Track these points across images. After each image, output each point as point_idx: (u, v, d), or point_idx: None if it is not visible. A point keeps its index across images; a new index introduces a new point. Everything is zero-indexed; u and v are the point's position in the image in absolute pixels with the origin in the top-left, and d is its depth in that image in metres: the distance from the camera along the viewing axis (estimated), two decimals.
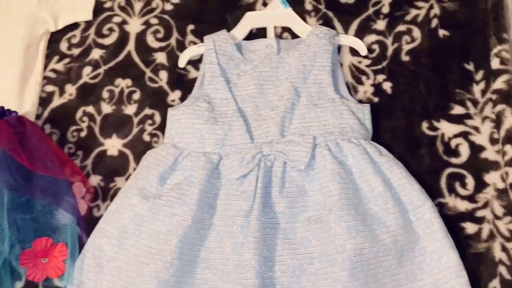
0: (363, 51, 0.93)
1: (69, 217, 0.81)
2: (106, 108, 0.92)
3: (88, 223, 0.82)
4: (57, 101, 0.92)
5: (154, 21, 0.98)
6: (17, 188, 0.77)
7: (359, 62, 0.92)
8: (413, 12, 0.95)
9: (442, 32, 0.93)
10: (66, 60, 0.95)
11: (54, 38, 0.97)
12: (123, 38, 0.96)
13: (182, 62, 0.94)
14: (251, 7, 0.98)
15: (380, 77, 0.91)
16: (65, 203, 0.79)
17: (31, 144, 0.82)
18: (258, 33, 0.95)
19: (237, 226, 0.77)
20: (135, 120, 0.91)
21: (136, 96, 0.92)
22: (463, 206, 0.80)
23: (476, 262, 0.76)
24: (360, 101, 0.88)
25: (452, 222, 0.79)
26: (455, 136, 0.85)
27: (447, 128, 0.86)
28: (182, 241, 0.76)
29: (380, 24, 0.95)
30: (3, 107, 0.86)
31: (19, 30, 0.94)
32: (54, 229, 0.80)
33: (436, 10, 0.94)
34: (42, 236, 0.79)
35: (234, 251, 0.77)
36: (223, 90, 0.87)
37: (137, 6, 0.99)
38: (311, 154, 0.79)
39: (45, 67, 0.95)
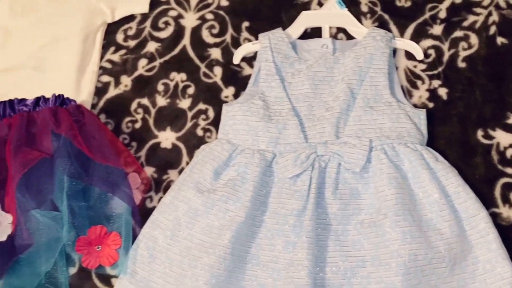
0: (420, 55, 0.92)
1: (123, 207, 0.82)
2: (161, 101, 0.93)
3: (141, 213, 0.83)
4: (112, 92, 0.94)
5: (209, 16, 0.98)
6: (76, 175, 0.79)
7: (415, 67, 0.92)
8: (471, 18, 0.94)
9: (500, 40, 0.92)
10: (122, 52, 0.97)
11: (111, 29, 0.98)
12: (179, 32, 0.97)
13: (236, 59, 0.94)
14: (306, 6, 0.98)
15: (436, 83, 0.90)
16: (121, 193, 0.80)
17: (90, 132, 0.84)
18: (312, 33, 0.95)
19: (289, 225, 0.78)
20: (189, 114, 0.92)
21: (191, 90, 0.93)
22: None
23: None
24: (415, 106, 0.88)
25: (506, 232, 0.78)
26: (511, 145, 0.86)
27: (502, 137, 0.85)
28: (235, 237, 0.77)
29: (437, 29, 0.94)
30: (62, 95, 0.89)
31: (77, 20, 0.96)
32: (108, 218, 0.82)
33: (494, 17, 0.94)
34: (96, 224, 0.81)
35: (285, 249, 0.78)
36: (278, 89, 0.88)
37: (193, 1, 1.00)
38: (367, 157, 0.80)
39: (101, 57, 0.96)
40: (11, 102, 0.86)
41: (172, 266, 0.78)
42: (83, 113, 0.86)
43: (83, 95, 0.92)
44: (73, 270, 0.81)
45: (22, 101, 0.86)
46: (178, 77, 0.94)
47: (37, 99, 0.87)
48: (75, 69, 0.93)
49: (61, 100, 0.87)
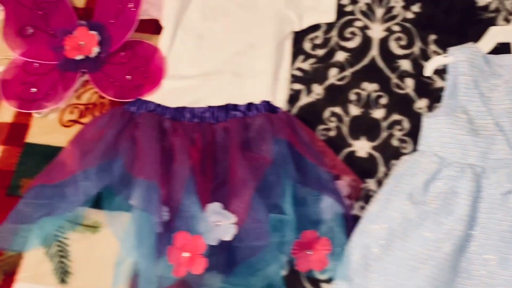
0: None
1: (333, 212, 0.84)
2: (354, 110, 0.95)
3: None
4: (305, 99, 0.96)
5: (396, 28, 1.00)
6: (297, 179, 0.82)
7: None
8: None
9: None
10: (312, 60, 0.98)
11: (297, 38, 1.00)
12: (366, 42, 0.99)
13: (428, 71, 0.95)
14: (492, 22, 0.99)
15: None
16: (335, 196, 0.82)
17: (301, 138, 0.86)
18: (500, 48, 0.96)
19: (504, 241, 0.79)
20: (383, 124, 0.93)
21: (384, 100, 0.95)
22: None
23: None
24: None
25: None
26: None
27: None
28: (453, 250, 0.78)
29: None
30: (270, 102, 0.90)
31: (269, 27, 0.98)
32: (318, 222, 0.84)
33: None
34: (309, 229, 0.84)
35: (500, 265, 0.79)
36: (478, 103, 0.88)
37: (379, 12, 1.02)
38: None
39: (291, 65, 0.99)
40: (225, 106, 0.90)
41: (387, 275, 0.80)
42: (290, 119, 0.89)
43: (279, 101, 0.94)
44: (282, 272, 0.83)
45: (235, 106, 0.90)
46: (370, 87, 0.96)
47: (248, 105, 0.90)
48: (270, 75, 0.95)
49: (270, 107, 0.90)
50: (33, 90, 0.96)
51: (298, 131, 0.87)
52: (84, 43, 0.98)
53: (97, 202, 0.86)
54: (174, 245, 0.78)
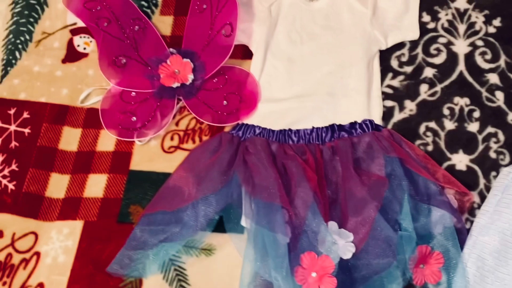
0: None
1: (444, 226, 0.86)
2: (449, 125, 0.97)
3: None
4: (398, 116, 0.98)
5: (479, 43, 1.03)
6: (412, 195, 0.84)
7: None
8: None
9: None
10: (401, 77, 1.01)
11: (383, 56, 1.03)
12: (452, 58, 1.01)
13: None
14: None
15: None
16: (449, 210, 0.84)
17: (410, 154, 0.89)
18: None
19: None
20: (479, 137, 0.96)
21: (476, 114, 0.97)
22: None
23: None
24: None
25: None
26: None
27: None
28: None
29: None
30: (373, 121, 0.92)
31: (357, 48, 1.01)
32: (430, 236, 0.85)
33: None
34: (421, 243, 0.86)
35: None
36: None
37: (461, 28, 1.05)
38: None
39: (381, 83, 1.02)
40: (330, 127, 0.92)
41: (503, 285, 0.82)
42: (394, 135, 0.92)
43: (374, 119, 0.96)
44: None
45: (341, 126, 0.92)
46: (462, 102, 0.99)
47: (352, 124, 0.92)
48: (364, 94, 0.98)
49: (372, 125, 0.93)
50: (134, 119, 1.00)
51: (404, 147, 0.90)
52: (179, 71, 1.02)
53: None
54: (302, 265, 0.81)
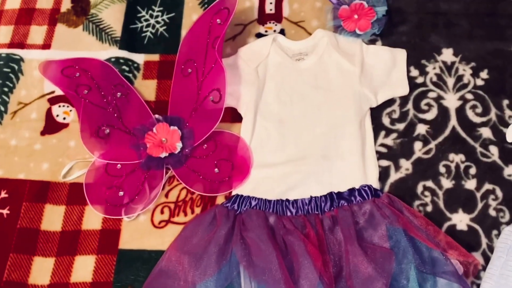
0: None
1: None
2: (446, 183, 0.95)
3: None
4: (394, 176, 0.96)
5: (469, 96, 1.02)
6: (418, 266, 0.82)
7: None
8: None
9: None
10: (394, 135, 0.99)
11: (374, 114, 1.01)
12: (444, 113, 1.00)
13: (509, 137, 0.98)
14: None
15: None
16: (456, 280, 0.81)
17: (412, 221, 0.86)
18: None
19: None
20: (478, 195, 0.94)
21: (473, 170, 0.96)
22: None
23: None
24: None
25: None
26: None
27: None
28: None
29: None
30: (371, 186, 0.90)
31: (348, 106, 0.99)
32: None
33: None
34: None
35: None
36: None
37: (450, 81, 1.04)
38: None
39: (374, 141, 0.99)
40: (329, 195, 0.89)
41: None
42: (394, 201, 0.90)
43: (371, 180, 0.94)
44: None
45: (339, 194, 0.89)
46: (457, 158, 0.98)
47: (351, 191, 0.90)
48: (358, 155, 0.95)
49: (370, 190, 0.90)
50: (121, 193, 0.94)
51: (404, 213, 0.88)
52: (166, 139, 0.98)
53: None
54: None
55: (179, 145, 0.97)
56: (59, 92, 1.05)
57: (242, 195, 0.91)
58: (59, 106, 1.05)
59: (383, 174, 0.97)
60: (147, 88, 1.06)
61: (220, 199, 0.96)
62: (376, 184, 0.95)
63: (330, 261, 0.82)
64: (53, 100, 1.06)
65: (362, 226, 0.86)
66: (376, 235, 0.84)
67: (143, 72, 1.08)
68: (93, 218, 0.94)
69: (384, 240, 0.83)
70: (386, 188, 0.96)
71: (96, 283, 0.89)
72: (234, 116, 1.02)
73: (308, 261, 0.79)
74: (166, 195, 0.96)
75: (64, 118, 1.04)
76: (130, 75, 1.07)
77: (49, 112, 1.05)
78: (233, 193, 0.95)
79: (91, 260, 0.91)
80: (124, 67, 1.08)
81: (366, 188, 0.90)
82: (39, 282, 0.90)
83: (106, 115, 1.00)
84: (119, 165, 0.97)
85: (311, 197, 0.90)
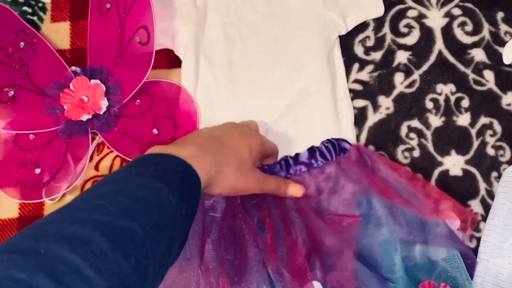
0: None
1: (447, 253, 0.71)
2: (435, 121, 0.79)
3: None
4: (373, 117, 0.79)
5: (456, 11, 0.83)
6: (401, 235, 0.67)
7: None
8: None
9: None
10: (369, 68, 0.81)
11: (344, 43, 0.82)
12: (427, 35, 0.82)
13: (507, 59, 0.81)
14: None
15: None
16: (449, 244, 0.69)
17: (388, 179, 0.70)
18: None
19: None
20: (473, 131, 0.79)
21: (465, 103, 0.80)
22: None
23: None
24: None
25: None
26: None
27: None
28: None
29: None
30: (331, 141, 0.73)
31: (312, 36, 0.79)
32: (433, 268, 0.70)
33: None
34: (424, 279, 0.69)
35: None
36: None
37: None
38: None
39: (347, 78, 0.81)
40: (285, 160, 0.71)
41: None
42: (364, 157, 0.73)
43: (345, 126, 0.77)
44: None
45: (296, 159, 0.71)
46: (446, 89, 0.81)
47: (310, 151, 0.71)
48: (328, 97, 0.78)
49: (334, 146, 0.72)
50: (37, 171, 0.77)
51: (379, 169, 0.71)
52: (88, 97, 0.79)
53: None
54: None
55: (104, 103, 0.77)
56: None
57: None
58: None
59: (360, 117, 0.80)
60: (58, 34, 0.83)
61: None
62: (351, 131, 0.78)
63: (298, 239, 0.68)
64: None
65: (325, 196, 0.69)
66: (341, 204, 0.69)
67: (51, 13, 0.85)
68: (6, 205, 0.76)
69: (351, 208, 0.68)
70: (364, 134, 0.79)
71: None
72: (171, 60, 0.82)
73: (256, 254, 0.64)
74: (96, 167, 0.78)
75: None
76: (35, 18, 0.85)
77: None
78: None
79: None
80: (25, 8, 0.85)
81: (329, 145, 0.73)
82: None
83: (7, 72, 0.78)
84: (31, 135, 0.77)
85: (264, 166, 0.72)
